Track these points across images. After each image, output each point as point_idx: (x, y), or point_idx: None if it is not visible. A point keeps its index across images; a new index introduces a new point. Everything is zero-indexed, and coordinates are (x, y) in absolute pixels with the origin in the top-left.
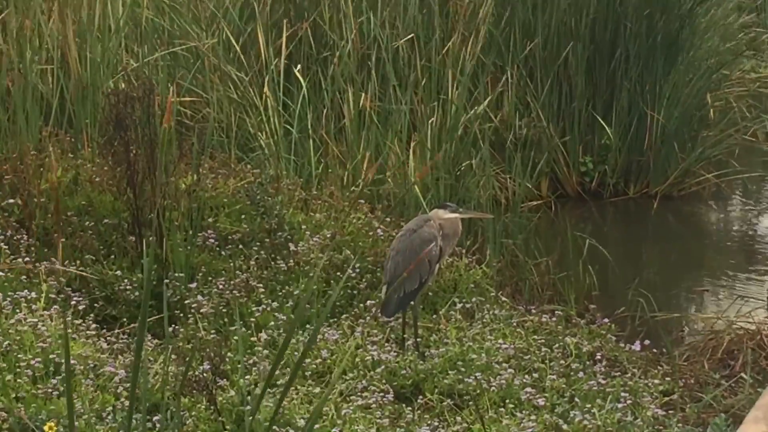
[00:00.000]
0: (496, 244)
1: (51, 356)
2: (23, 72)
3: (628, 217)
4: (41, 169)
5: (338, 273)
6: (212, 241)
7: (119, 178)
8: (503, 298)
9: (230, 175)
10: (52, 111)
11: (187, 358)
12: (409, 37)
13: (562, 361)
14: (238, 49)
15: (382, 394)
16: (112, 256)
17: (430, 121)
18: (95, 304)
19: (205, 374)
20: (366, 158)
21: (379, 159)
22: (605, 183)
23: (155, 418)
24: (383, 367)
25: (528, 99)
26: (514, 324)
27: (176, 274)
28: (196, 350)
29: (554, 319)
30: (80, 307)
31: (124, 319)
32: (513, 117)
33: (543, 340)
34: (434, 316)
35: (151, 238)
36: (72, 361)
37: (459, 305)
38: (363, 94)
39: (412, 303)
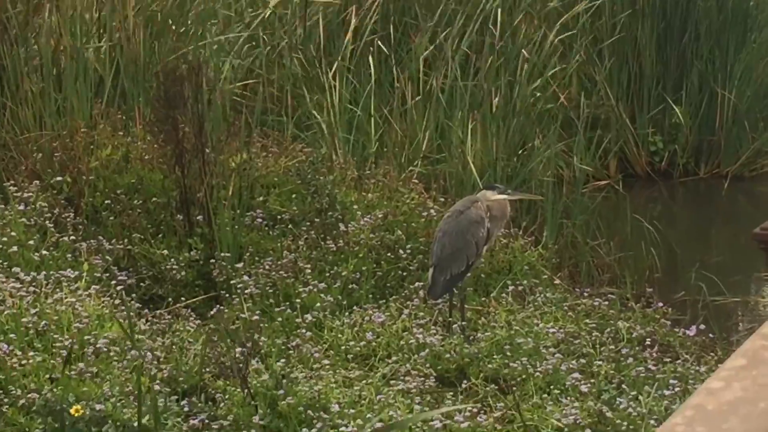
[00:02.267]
0: (554, 225)
1: (86, 337)
2: (76, 49)
3: (698, 198)
4: (91, 146)
5: (389, 254)
6: (260, 221)
7: (168, 157)
8: (557, 281)
9: (282, 154)
10: (105, 89)
11: (222, 341)
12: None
13: (612, 347)
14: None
15: (423, 378)
16: (161, 235)
17: (495, 100)
18: (141, 284)
19: (239, 357)
20: (426, 137)
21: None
22: (675, 163)
23: (190, 400)
24: (427, 350)
25: (596, 77)
26: (566, 308)
27: (223, 254)
28: (237, 332)
29: (607, 302)
30: (119, 288)
31: (170, 299)
32: (579, 95)
33: (594, 324)
34: (484, 299)
35: (198, 217)
36: (103, 342)
37: (511, 287)
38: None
39: (459, 285)
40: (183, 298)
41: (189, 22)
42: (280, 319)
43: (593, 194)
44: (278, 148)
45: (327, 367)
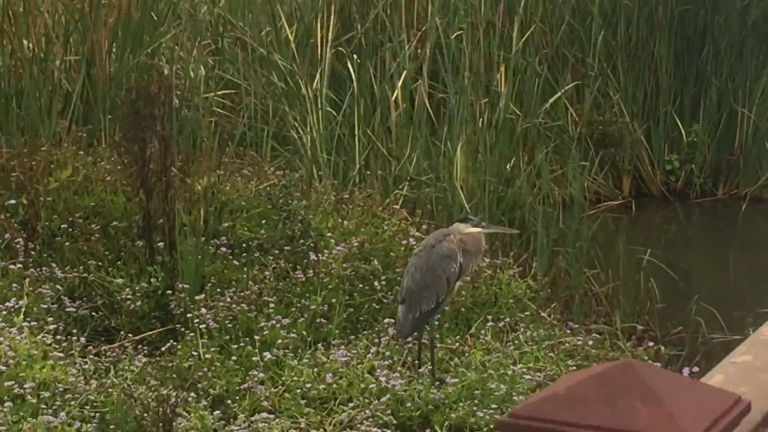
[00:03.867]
0: (545, 254)
1: (7, 383)
2: (39, 60)
3: (715, 220)
4: (51, 166)
5: (364, 285)
6: (224, 249)
7: (133, 178)
8: (544, 315)
9: (254, 176)
10: (71, 105)
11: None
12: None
13: None
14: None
15: (378, 429)
16: (121, 262)
17: (480, 119)
18: (94, 314)
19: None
20: (414, 159)
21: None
22: (692, 182)
23: None
24: (389, 395)
25: (610, 92)
26: (548, 346)
27: (182, 285)
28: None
29: (591, 342)
30: (68, 319)
31: (123, 333)
32: (592, 112)
33: (575, 367)
34: (458, 338)
35: (159, 244)
36: (31, 385)
37: (490, 324)
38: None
39: (430, 323)
40: (139, 331)
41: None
42: (235, 357)
43: (604, 214)
44: (253, 168)
45: (275, 415)
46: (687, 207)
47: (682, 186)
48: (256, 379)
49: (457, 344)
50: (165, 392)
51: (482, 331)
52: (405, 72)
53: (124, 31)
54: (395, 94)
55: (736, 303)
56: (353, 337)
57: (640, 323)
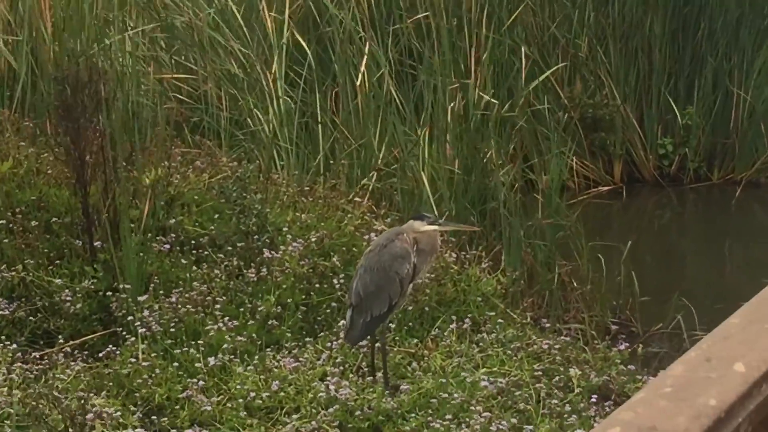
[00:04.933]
0: (516, 247)
1: None
2: None
3: (710, 206)
4: None
5: (322, 283)
6: (167, 246)
7: (72, 172)
8: (512, 314)
9: (207, 168)
10: (15, 92)
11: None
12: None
13: (557, 400)
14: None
15: None
16: (64, 260)
17: (451, 105)
18: (31, 318)
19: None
20: (382, 147)
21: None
22: (686, 167)
23: None
24: (336, 406)
25: (601, 74)
26: (515, 348)
27: (122, 285)
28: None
29: (558, 346)
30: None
31: (62, 336)
32: (582, 95)
33: (541, 371)
34: (417, 341)
35: (96, 243)
36: None
37: (453, 325)
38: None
39: (381, 327)
40: (80, 335)
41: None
42: (176, 363)
43: (593, 201)
44: (209, 159)
45: (216, 427)
46: (680, 192)
47: (676, 171)
48: (196, 387)
49: (416, 348)
50: (90, 403)
51: (446, 333)
52: (365, 57)
53: (66, 13)
54: (360, 77)
55: (726, 295)
56: (309, 339)
57: (622, 318)
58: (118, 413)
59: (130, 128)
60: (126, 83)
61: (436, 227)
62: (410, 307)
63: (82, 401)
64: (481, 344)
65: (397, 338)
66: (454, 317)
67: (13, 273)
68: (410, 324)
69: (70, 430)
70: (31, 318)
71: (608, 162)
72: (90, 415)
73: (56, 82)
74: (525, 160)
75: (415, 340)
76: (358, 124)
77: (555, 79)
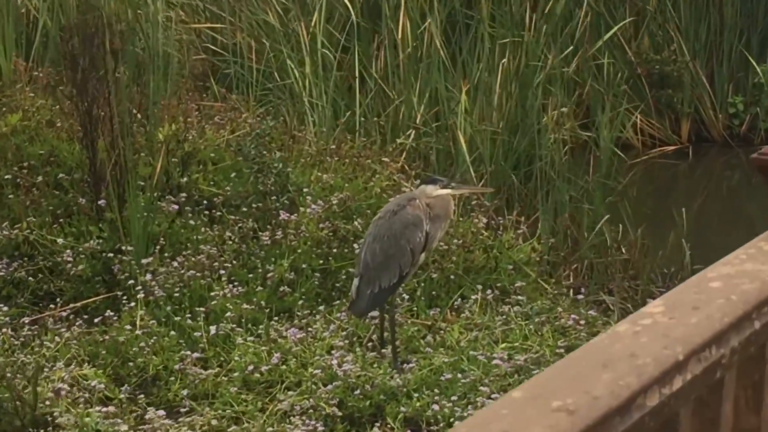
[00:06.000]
0: (551, 212)
1: None
2: None
3: None
4: (3, 109)
5: (342, 248)
6: (176, 207)
7: (81, 126)
8: (544, 284)
9: (227, 123)
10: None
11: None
12: None
13: None
14: None
15: (317, 422)
16: (72, 218)
17: (502, 62)
18: (31, 278)
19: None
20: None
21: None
22: (756, 127)
23: None
24: (337, 383)
25: (669, 30)
26: (540, 322)
27: (126, 247)
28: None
29: (583, 321)
30: None
31: (59, 299)
32: (650, 50)
33: (566, 346)
34: (437, 310)
35: (101, 202)
36: None
37: (475, 296)
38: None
39: (390, 299)
40: (82, 297)
41: None
42: (174, 332)
43: (658, 161)
44: (230, 115)
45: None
46: (750, 153)
47: (746, 131)
48: (190, 359)
49: (434, 320)
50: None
51: (468, 303)
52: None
53: None
54: (400, 30)
55: None
56: (323, 307)
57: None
58: (102, 386)
59: (145, 81)
60: (153, 32)
61: (449, 191)
62: (435, 275)
63: (64, 373)
64: (505, 316)
65: (415, 308)
66: (480, 286)
67: (17, 231)
68: (433, 293)
69: (40, 404)
70: (31, 278)
71: (675, 120)
72: (63, 386)
73: (63, 32)
74: (586, 117)
75: (435, 311)
76: (399, 81)
77: (621, 33)
